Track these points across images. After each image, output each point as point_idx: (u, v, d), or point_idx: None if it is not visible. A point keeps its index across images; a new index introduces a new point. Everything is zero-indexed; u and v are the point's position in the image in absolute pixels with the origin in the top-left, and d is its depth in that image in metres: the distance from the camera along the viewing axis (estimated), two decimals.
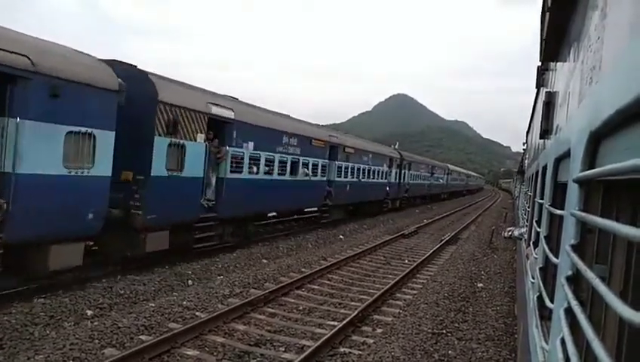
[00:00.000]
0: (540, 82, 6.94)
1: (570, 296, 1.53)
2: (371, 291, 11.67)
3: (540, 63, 6.18)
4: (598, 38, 1.80)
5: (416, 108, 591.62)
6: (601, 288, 1.07)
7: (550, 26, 3.70)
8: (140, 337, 7.57)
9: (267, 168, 16.21)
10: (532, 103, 10.78)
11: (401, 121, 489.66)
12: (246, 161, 14.70)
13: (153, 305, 9.14)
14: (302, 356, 7.15)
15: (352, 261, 15.33)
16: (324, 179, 21.42)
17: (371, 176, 28.03)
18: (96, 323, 7.89)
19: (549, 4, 3.40)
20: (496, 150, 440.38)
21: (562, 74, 3.70)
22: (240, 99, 16.47)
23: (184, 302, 9.44)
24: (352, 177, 24.79)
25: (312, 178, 19.88)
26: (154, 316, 8.50)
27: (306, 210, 22.23)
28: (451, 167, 67.31)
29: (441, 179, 54.24)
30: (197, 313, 9.02)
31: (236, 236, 15.40)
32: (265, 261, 14.20)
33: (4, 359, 6.42)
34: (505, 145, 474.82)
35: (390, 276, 13.62)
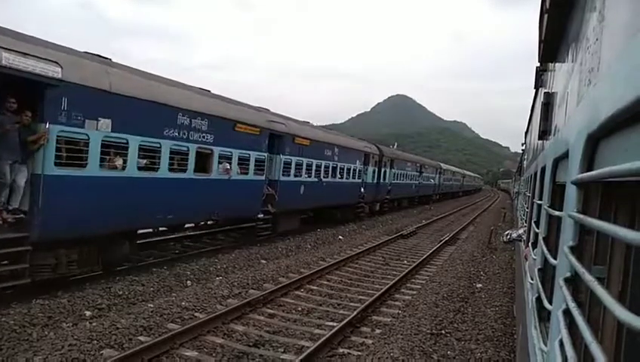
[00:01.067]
0: (539, 83, 6.95)
1: (569, 297, 1.53)
2: (370, 292, 11.67)
3: (538, 64, 6.18)
4: (597, 40, 1.80)
5: (415, 109, 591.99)
6: (599, 290, 1.07)
7: (549, 27, 3.71)
8: (139, 338, 7.56)
9: (145, 161, 10.99)
10: (531, 104, 10.79)
11: (399, 121, 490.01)
12: (94, 149, 9.40)
13: (152, 305, 9.13)
14: (301, 357, 7.15)
15: (351, 261, 15.33)
16: (262, 178, 16.10)
17: (338, 175, 22.91)
18: (94, 324, 7.88)
19: (548, 6, 3.40)
20: (495, 150, 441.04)
21: (561, 75, 3.71)
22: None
23: (183, 303, 9.43)
24: (309, 176, 19.79)
25: (241, 176, 14.62)
26: (153, 317, 8.50)
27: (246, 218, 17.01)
28: (444, 165, 61.42)
29: (432, 179, 49.66)
30: (196, 314, 9.02)
31: (88, 265, 10.11)
32: (264, 261, 14.19)
33: (3, 360, 6.41)
34: (504, 145, 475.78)
35: (389, 277, 13.62)
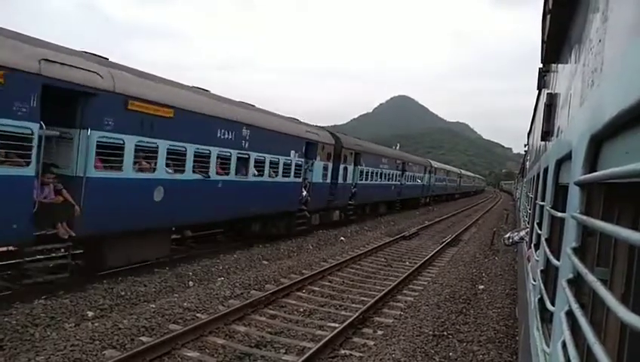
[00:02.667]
0: (542, 84, 6.94)
1: (572, 299, 1.52)
2: (372, 293, 11.66)
3: (541, 65, 6.18)
4: (600, 41, 1.79)
5: (417, 110, 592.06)
6: (602, 291, 1.07)
7: (551, 28, 3.70)
8: (141, 338, 7.56)
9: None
10: (533, 105, 10.78)
11: (402, 122, 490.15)
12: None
13: (154, 306, 9.14)
14: (302, 358, 7.15)
15: (353, 262, 15.32)
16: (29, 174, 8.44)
17: (253, 171, 15.28)
18: (96, 324, 7.89)
19: (550, 7, 3.40)
20: (497, 151, 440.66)
21: (564, 76, 3.70)
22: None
23: (185, 304, 9.43)
24: (177, 170, 11.98)
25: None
26: (154, 317, 8.50)
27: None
28: (435, 163, 52.62)
29: (419, 180, 41.71)
30: (197, 314, 9.02)
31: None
32: (265, 262, 14.19)
33: (5, 360, 6.42)
34: (506, 146, 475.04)
35: (391, 278, 13.60)
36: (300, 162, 18.74)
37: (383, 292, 11.36)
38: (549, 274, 3.03)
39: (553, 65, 5.09)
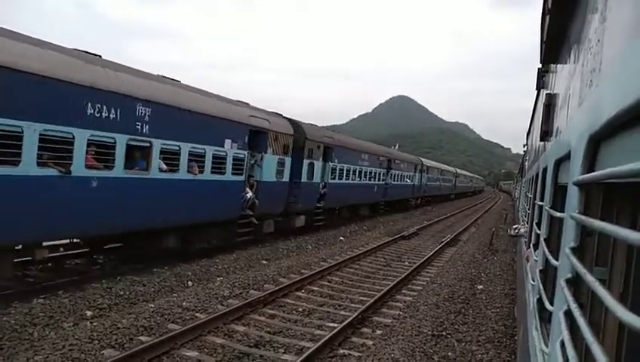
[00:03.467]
0: (541, 84, 6.95)
1: (570, 298, 1.53)
2: (371, 293, 11.66)
3: (540, 65, 6.19)
4: (598, 41, 1.80)
5: (416, 110, 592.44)
6: (601, 291, 1.07)
7: (550, 28, 3.71)
8: (140, 338, 7.56)
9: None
10: (532, 105, 10.79)
11: (401, 122, 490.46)
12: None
13: (153, 305, 9.14)
14: (301, 357, 7.15)
15: (352, 262, 15.32)
16: None
17: (152, 165, 11.13)
18: (95, 324, 7.89)
19: (550, 7, 3.40)
20: (496, 151, 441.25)
21: (562, 76, 3.71)
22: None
23: (184, 303, 9.43)
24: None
25: None
26: (153, 317, 8.50)
27: None
28: (428, 161, 48.37)
29: (408, 179, 37.61)
30: (196, 314, 9.02)
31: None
32: (265, 262, 14.19)
33: (4, 359, 6.42)
34: (505, 146, 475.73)
35: (390, 277, 13.60)
36: (240, 155, 14.52)
37: (382, 292, 11.36)
38: (548, 274, 3.03)
39: (552, 65, 5.10)
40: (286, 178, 17.75)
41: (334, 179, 22.42)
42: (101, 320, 8.17)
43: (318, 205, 21.27)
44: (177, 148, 11.81)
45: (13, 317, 7.73)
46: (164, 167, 11.59)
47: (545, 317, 2.77)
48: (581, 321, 1.26)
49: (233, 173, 14.20)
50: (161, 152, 11.30)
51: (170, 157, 11.74)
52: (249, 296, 10.41)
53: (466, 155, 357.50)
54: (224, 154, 13.74)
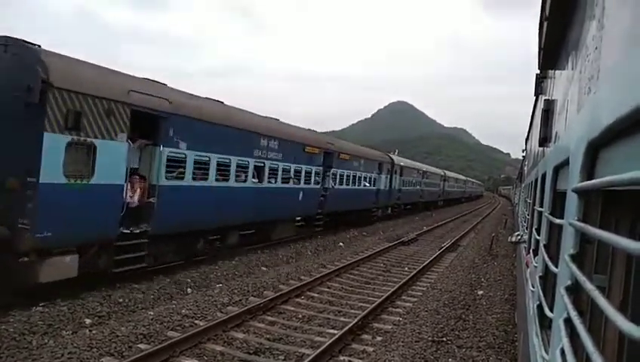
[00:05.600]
0: (539, 90, 6.96)
1: (570, 306, 1.52)
2: (371, 299, 11.63)
3: (538, 71, 6.20)
4: (596, 48, 1.80)
5: (415, 116, 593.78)
6: (600, 300, 1.07)
7: (548, 35, 3.72)
8: (139, 346, 7.53)
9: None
10: (531, 111, 10.81)
11: (400, 128, 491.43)
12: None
13: (152, 313, 9.11)
14: None
15: (352, 268, 15.29)
16: None
17: None
18: (94, 332, 7.86)
19: (547, 14, 3.42)
20: (495, 156, 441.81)
21: (561, 82, 3.72)
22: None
23: (183, 311, 9.40)
24: None
25: None
26: (152, 324, 8.47)
27: None
28: (402, 160, 38.00)
29: (368, 182, 27.81)
30: (196, 321, 8.99)
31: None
32: (264, 268, 14.16)
33: None
34: (505, 151, 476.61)
35: (390, 283, 13.58)
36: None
37: (382, 298, 11.34)
38: (548, 281, 3.03)
39: (550, 71, 5.12)
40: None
41: (172, 179, 12.35)
42: (100, 327, 8.14)
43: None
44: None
45: (12, 325, 7.69)
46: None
47: (545, 324, 2.76)
48: (581, 329, 1.26)
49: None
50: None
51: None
52: (248, 302, 10.38)
53: (466, 160, 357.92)
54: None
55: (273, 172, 16.83)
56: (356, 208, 26.72)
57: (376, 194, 29.42)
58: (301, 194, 19.34)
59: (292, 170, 18.37)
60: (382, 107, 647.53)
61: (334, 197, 22.69)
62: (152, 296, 10.19)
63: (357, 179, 26.02)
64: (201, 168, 12.67)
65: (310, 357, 7.37)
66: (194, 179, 12.34)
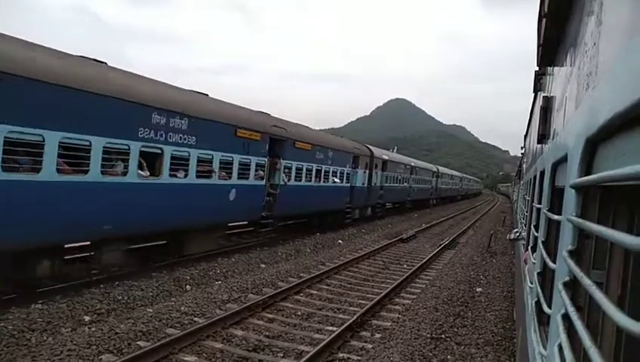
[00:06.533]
0: (538, 87, 6.96)
1: (568, 302, 1.52)
2: (370, 296, 11.64)
3: (537, 68, 6.20)
4: (594, 44, 1.80)
5: (414, 113, 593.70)
6: (598, 295, 1.07)
7: (547, 31, 3.72)
8: (138, 343, 7.53)
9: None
10: (530, 107, 10.80)
11: (399, 125, 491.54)
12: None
13: (151, 310, 9.11)
14: (300, 361, 7.13)
15: (351, 265, 15.30)
16: None
17: None
18: (93, 329, 7.86)
19: (546, 10, 3.41)
20: (494, 154, 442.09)
21: (559, 79, 3.71)
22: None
23: (182, 308, 9.41)
24: None
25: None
26: (152, 321, 8.47)
27: None
28: (386, 153, 33.27)
29: (337, 178, 22.85)
30: (195, 318, 8.99)
31: None
32: (263, 266, 14.17)
33: None
34: (503, 149, 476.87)
35: (389, 281, 13.59)
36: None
37: (381, 295, 11.35)
38: (546, 277, 3.03)
39: (549, 68, 5.11)
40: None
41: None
42: (99, 325, 8.14)
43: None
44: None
45: (11, 322, 7.69)
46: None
47: (543, 320, 2.77)
48: (579, 325, 1.26)
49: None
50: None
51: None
52: (248, 299, 10.39)
53: (464, 158, 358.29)
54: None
55: (180, 162, 12.12)
56: (322, 209, 22.19)
57: (350, 193, 24.66)
58: (233, 193, 14.45)
59: (216, 161, 13.51)
60: (381, 104, 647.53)
61: (288, 196, 17.77)
62: (151, 294, 10.20)
63: (323, 174, 21.22)
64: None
65: (309, 354, 7.38)
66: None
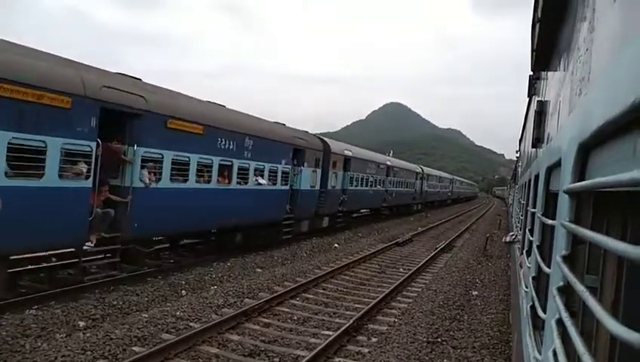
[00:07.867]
0: (532, 91, 7.00)
1: (562, 307, 1.52)
2: (366, 300, 11.63)
3: (531, 72, 6.23)
4: (587, 50, 1.81)
5: (410, 117, 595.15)
6: (591, 302, 1.07)
7: (541, 36, 3.74)
8: (133, 348, 7.48)
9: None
10: (524, 111, 10.85)
11: (395, 129, 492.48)
12: None
13: (146, 315, 9.06)
14: None
15: (347, 269, 15.29)
16: None
17: None
18: (88, 335, 7.80)
19: (540, 16, 3.43)
20: (490, 157, 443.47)
21: (553, 83, 3.73)
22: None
23: (177, 313, 9.36)
24: None
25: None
26: (147, 327, 8.42)
27: None
28: (351, 148, 26.61)
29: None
30: (190, 323, 8.95)
31: None
32: (259, 270, 14.13)
33: None
34: (499, 152, 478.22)
35: (385, 284, 13.58)
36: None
37: (377, 299, 11.34)
38: (541, 281, 3.04)
39: (543, 72, 5.14)
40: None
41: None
42: (94, 330, 8.08)
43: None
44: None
45: (5, 328, 7.63)
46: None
47: (538, 325, 2.77)
48: (572, 331, 1.26)
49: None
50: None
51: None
52: (243, 304, 10.34)
53: (460, 161, 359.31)
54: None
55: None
56: (240, 223, 15.55)
57: (289, 199, 18.69)
58: None
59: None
60: (376, 108, 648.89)
61: (153, 206, 11.24)
62: (146, 299, 10.14)
63: (233, 171, 14.57)
64: None
65: (305, 359, 7.36)
66: None
